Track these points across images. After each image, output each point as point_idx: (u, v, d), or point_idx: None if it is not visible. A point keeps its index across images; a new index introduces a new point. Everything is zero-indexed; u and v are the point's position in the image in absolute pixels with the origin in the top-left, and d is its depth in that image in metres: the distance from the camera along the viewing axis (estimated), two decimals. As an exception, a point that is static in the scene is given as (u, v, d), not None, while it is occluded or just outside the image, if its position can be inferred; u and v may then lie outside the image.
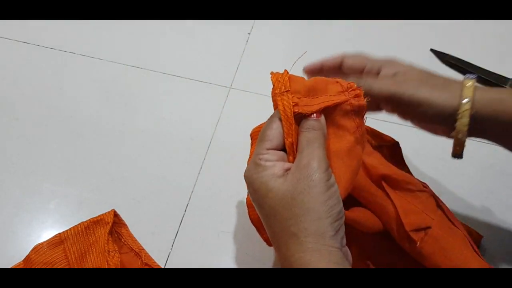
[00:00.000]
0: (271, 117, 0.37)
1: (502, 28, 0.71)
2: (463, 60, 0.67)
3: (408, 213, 0.43)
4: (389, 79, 0.42)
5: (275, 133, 0.36)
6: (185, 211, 0.55)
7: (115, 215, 0.52)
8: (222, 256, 0.52)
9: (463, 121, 0.39)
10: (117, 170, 0.57)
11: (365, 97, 0.38)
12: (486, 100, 0.39)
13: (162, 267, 0.51)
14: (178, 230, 0.53)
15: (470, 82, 0.40)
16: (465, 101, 0.39)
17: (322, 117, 0.37)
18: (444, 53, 0.69)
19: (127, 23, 0.70)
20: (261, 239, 0.46)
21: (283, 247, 0.33)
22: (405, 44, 0.70)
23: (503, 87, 0.64)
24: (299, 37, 0.71)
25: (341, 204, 0.34)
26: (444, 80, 0.42)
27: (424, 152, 0.58)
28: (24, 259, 0.49)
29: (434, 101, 0.39)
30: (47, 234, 0.51)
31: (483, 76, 0.66)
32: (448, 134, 0.41)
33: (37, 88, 0.64)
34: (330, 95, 0.37)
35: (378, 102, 0.42)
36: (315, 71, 0.47)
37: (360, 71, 0.44)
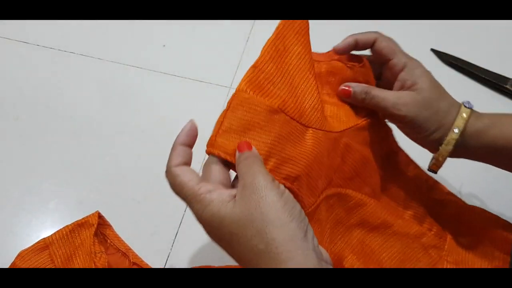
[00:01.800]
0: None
1: (502, 28, 0.70)
2: (463, 60, 0.67)
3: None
4: (402, 101, 0.43)
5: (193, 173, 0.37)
6: (185, 211, 0.54)
7: (100, 216, 0.51)
8: (222, 256, 0.52)
9: (447, 148, 0.43)
10: (117, 170, 0.57)
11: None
12: (474, 130, 0.42)
13: (162, 267, 0.51)
14: (178, 230, 0.53)
15: (466, 112, 0.43)
16: (455, 130, 0.42)
17: (253, 148, 0.36)
18: (444, 53, 0.68)
19: (127, 23, 0.69)
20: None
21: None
22: (405, 44, 0.69)
23: (503, 86, 0.64)
24: (299, 37, 0.71)
25: (299, 206, 0.33)
26: (448, 105, 0.43)
27: (424, 152, 0.58)
28: (10, 266, 0.49)
29: (429, 127, 0.43)
30: (46, 234, 0.51)
31: (483, 76, 0.66)
32: (431, 151, 0.45)
33: (37, 88, 0.64)
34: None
35: (384, 112, 0.45)
36: (350, 48, 0.46)
37: (385, 60, 0.46)
